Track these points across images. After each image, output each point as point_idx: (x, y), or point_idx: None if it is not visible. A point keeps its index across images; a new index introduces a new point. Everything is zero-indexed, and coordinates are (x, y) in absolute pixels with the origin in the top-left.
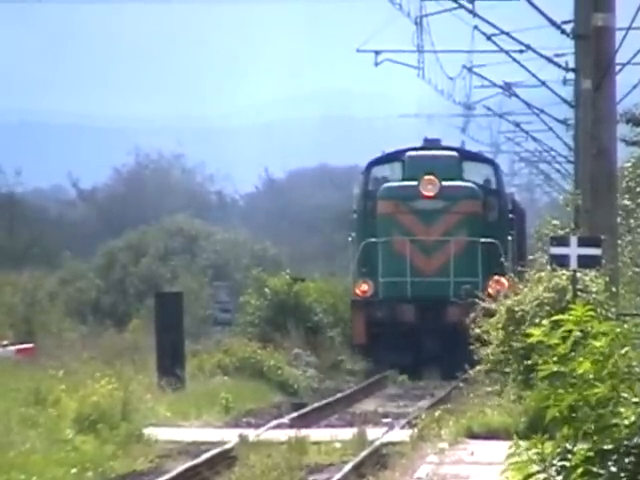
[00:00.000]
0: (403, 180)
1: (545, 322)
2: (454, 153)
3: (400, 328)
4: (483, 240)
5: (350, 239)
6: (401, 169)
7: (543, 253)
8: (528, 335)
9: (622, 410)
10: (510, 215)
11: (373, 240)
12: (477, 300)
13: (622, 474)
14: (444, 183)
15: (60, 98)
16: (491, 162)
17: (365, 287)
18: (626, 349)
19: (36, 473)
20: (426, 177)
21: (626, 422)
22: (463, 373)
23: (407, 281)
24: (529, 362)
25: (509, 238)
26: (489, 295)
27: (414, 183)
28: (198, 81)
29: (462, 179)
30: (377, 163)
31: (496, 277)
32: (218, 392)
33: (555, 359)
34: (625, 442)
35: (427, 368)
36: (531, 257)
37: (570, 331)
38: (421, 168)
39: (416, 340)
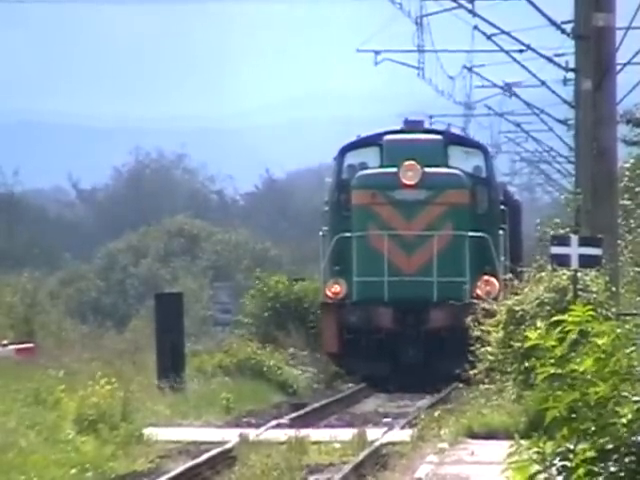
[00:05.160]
0: (381, 167)
1: (541, 324)
2: (438, 136)
3: (377, 334)
4: (471, 234)
5: (321, 234)
6: (379, 155)
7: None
8: (528, 337)
9: (621, 409)
10: (502, 206)
11: (347, 235)
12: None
13: (623, 473)
14: (427, 170)
15: (60, 98)
16: (480, 147)
17: (337, 288)
18: (632, 349)
19: (36, 473)
20: (406, 163)
21: (624, 421)
22: (461, 374)
23: (384, 281)
24: (528, 363)
25: (500, 232)
26: (478, 297)
27: (393, 170)
28: (199, 82)
29: (447, 165)
30: (352, 148)
31: (486, 277)
32: (218, 392)
33: (553, 361)
34: (625, 441)
35: (407, 379)
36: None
37: (568, 332)
38: (401, 153)
39: (395, 348)
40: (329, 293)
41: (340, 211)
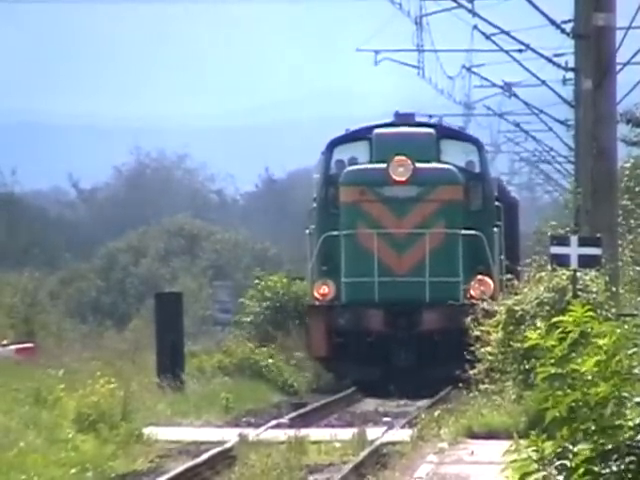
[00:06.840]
0: (371, 162)
1: (541, 324)
2: (430, 130)
3: (367, 337)
4: (464, 232)
5: (308, 232)
6: (368, 149)
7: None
8: (528, 337)
9: (627, 412)
10: (497, 203)
11: (335, 233)
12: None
13: (623, 474)
14: (418, 165)
15: (60, 98)
16: (474, 141)
17: (325, 289)
18: (634, 350)
19: (36, 473)
20: (397, 158)
21: (630, 424)
22: (460, 375)
23: (375, 282)
24: (528, 364)
25: (495, 230)
26: (472, 297)
27: (383, 165)
28: (200, 81)
29: (440, 160)
30: (340, 142)
31: (480, 276)
32: (218, 392)
33: (553, 361)
34: (626, 442)
35: (399, 383)
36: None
37: (568, 332)
38: (391, 148)
39: (386, 351)
40: (317, 294)
41: (328, 208)
